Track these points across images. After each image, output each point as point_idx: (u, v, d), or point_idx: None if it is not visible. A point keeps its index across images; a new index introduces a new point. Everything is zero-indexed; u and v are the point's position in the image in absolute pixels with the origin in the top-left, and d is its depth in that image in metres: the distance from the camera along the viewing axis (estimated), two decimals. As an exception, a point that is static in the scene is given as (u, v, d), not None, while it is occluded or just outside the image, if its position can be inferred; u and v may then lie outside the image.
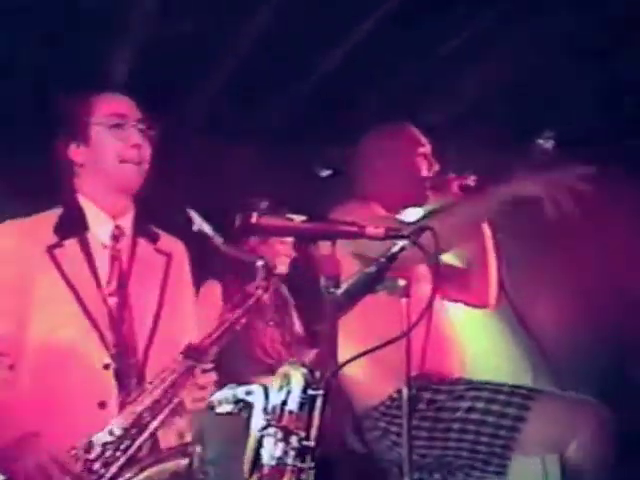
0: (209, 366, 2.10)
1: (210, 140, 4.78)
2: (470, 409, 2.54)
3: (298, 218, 1.85)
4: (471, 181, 2.87)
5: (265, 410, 2.62)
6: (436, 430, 2.57)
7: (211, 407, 3.09)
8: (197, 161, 4.72)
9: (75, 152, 2.22)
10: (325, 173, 5.18)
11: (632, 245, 4.43)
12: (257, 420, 2.63)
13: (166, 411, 2.02)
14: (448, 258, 3.01)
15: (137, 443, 1.96)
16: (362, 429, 2.72)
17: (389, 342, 1.95)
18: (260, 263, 2.13)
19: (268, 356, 3.41)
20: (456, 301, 2.92)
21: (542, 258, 4.35)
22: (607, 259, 4.54)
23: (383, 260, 1.98)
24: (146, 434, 1.98)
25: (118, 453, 1.95)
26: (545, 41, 4.04)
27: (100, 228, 2.19)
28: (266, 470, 2.50)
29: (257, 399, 2.97)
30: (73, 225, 2.16)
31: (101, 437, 1.93)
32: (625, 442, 2.48)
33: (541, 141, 4.84)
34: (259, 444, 2.51)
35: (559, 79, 4.38)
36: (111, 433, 1.95)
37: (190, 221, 2.22)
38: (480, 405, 2.54)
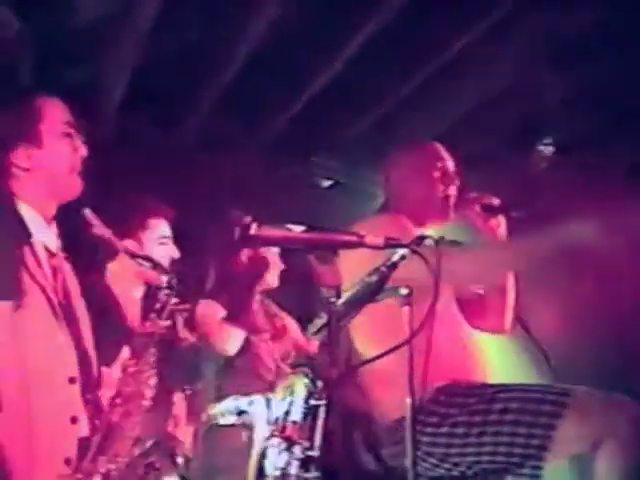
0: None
1: (205, 153, 4.79)
2: (504, 410, 2.51)
3: (297, 228, 1.86)
4: (494, 201, 2.86)
5: (268, 421, 2.63)
6: (470, 436, 2.53)
7: (214, 419, 3.09)
8: (191, 173, 4.73)
9: (22, 154, 2.12)
10: (326, 184, 5.20)
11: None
12: (260, 431, 2.63)
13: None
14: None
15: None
16: (378, 444, 2.70)
17: (390, 350, 1.95)
18: (148, 265, 2.13)
19: (269, 372, 3.40)
20: (472, 326, 2.91)
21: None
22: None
23: (384, 269, 1.98)
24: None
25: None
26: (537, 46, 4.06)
27: (44, 234, 2.11)
28: (270, 481, 2.51)
29: (260, 410, 2.97)
30: (18, 230, 2.07)
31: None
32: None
33: (541, 148, 4.87)
34: (262, 455, 2.51)
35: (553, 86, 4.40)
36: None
37: (88, 223, 2.18)
38: (514, 405, 2.50)
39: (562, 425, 2.40)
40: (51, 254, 2.13)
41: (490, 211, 2.84)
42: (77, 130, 2.18)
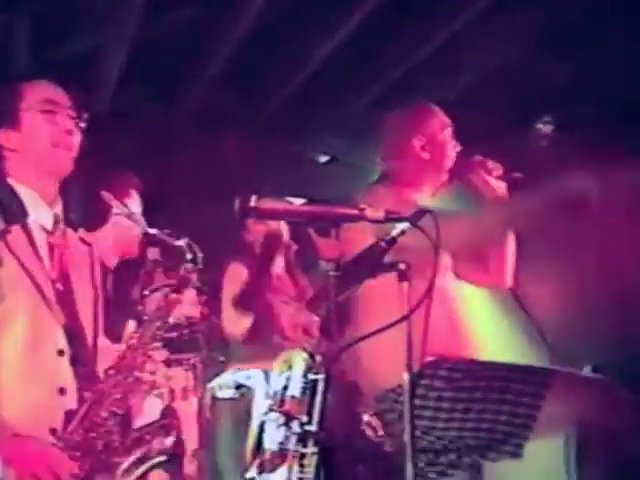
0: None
1: (206, 129, 4.78)
2: (489, 388, 2.52)
3: (297, 201, 1.85)
4: (497, 167, 2.84)
5: (267, 395, 2.64)
6: (455, 411, 2.55)
7: (212, 392, 3.10)
8: (193, 150, 4.71)
9: (5, 137, 2.15)
10: (323, 159, 5.19)
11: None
12: (259, 405, 2.64)
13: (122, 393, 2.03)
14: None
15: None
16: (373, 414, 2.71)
17: (389, 325, 1.94)
18: (182, 243, 2.12)
19: (286, 339, 3.42)
20: (471, 280, 2.89)
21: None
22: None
23: (383, 243, 1.97)
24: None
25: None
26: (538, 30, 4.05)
27: (39, 214, 2.15)
28: (268, 455, 2.52)
29: (258, 384, 2.98)
30: (13, 210, 2.11)
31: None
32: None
33: (540, 125, 4.86)
34: (261, 429, 2.52)
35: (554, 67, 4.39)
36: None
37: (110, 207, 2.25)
38: (499, 384, 2.52)
39: (545, 405, 2.42)
40: (49, 232, 2.15)
41: (493, 176, 2.82)
42: (61, 105, 2.19)
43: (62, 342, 2.04)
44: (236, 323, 3.37)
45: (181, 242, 2.14)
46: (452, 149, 2.83)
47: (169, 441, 2.01)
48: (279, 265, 3.62)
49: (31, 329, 2.01)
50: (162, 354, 2.12)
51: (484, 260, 2.83)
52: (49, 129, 2.15)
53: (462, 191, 2.79)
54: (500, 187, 2.76)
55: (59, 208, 2.21)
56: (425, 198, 2.76)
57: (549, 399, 2.43)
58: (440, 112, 2.89)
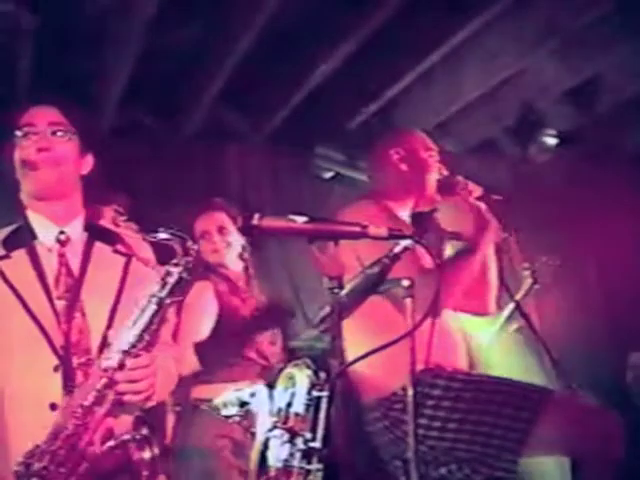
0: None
1: (207, 144, 4.79)
2: (487, 401, 2.53)
3: (300, 219, 1.85)
4: (477, 189, 2.90)
5: (270, 412, 2.63)
6: (450, 421, 2.55)
7: (216, 410, 3.10)
8: (196, 164, 4.72)
9: (13, 168, 2.26)
10: (327, 175, 5.20)
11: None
12: (263, 422, 2.63)
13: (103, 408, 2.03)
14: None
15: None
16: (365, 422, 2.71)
17: (393, 342, 1.95)
18: (176, 241, 2.11)
19: (262, 357, 3.39)
20: (457, 309, 2.91)
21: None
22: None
23: (386, 260, 1.97)
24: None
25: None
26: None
27: (45, 235, 2.23)
28: (272, 472, 2.51)
29: (262, 401, 2.97)
30: (22, 236, 2.23)
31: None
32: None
33: (542, 139, 4.87)
34: (265, 446, 2.52)
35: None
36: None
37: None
38: (497, 397, 2.52)
39: (541, 425, 2.43)
40: (59, 250, 2.21)
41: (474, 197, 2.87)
42: (42, 126, 2.23)
43: (56, 358, 2.08)
44: (189, 363, 3.22)
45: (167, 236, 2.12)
46: (436, 171, 2.88)
47: (146, 455, 2.00)
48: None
49: (24, 348, 2.08)
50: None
51: (466, 288, 2.83)
52: (23, 153, 2.20)
53: (448, 212, 2.84)
54: (481, 207, 2.79)
55: (76, 226, 2.24)
56: (407, 214, 2.82)
57: (545, 419, 2.44)
58: (424, 137, 2.98)
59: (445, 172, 2.93)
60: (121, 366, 1.99)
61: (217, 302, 3.38)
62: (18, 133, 2.22)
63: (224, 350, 3.28)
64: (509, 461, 2.46)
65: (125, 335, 2.02)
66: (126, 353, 2.00)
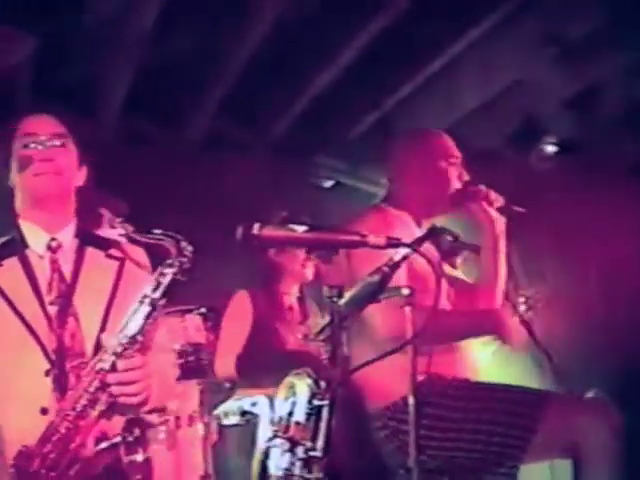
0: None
1: (209, 154, 4.80)
2: (484, 408, 2.52)
3: (300, 228, 1.86)
4: (498, 199, 2.83)
5: (271, 421, 2.63)
6: (449, 430, 2.54)
7: (217, 419, 3.10)
8: (198, 175, 4.73)
9: (12, 176, 2.29)
10: (328, 184, 5.21)
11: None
12: (264, 431, 2.63)
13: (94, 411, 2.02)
14: (457, 272, 2.99)
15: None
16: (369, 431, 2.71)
17: (394, 351, 1.95)
18: (169, 243, 2.11)
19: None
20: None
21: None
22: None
23: (386, 268, 1.97)
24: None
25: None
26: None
27: (36, 242, 2.25)
28: (273, 481, 2.51)
29: (263, 410, 2.98)
30: (13, 246, 2.25)
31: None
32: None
33: (542, 147, 4.87)
34: (266, 455, 2.52)
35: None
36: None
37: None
38: (493, 405, 2.52)
39: (541, 428, 2.42)
40: (51, 257, 2.22)
41: (494, 207, 2.81)
42: (43, 135, 2.25)
43: (48, 362, 2.09)
44: (228, 367, 3.38)
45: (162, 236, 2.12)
46: (457, 178, 2.82)
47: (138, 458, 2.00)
48: (293, 295, 3.61)
49: (15, 353, 2.09)
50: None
51: (474, 294, 2.82)
52: (28, 161, 2.22)
53: (464, 222, 2.80)
54: (499, 219, 2.76)
55: (68, 233, 2.26)
56: (424, 222, 2.78)
57: (544, 422, 2.43)
58: (448, 140, 2.89)
59: (467, 178, 2.85)
60: (113, 368, 1.98)
61: (253, 312, 3.46)
62: (19, 142, 2.24)
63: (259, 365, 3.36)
64: (510, 467, 2.46)
65: (118, 337, 2.01)
66: (118, 355, 1.99)
